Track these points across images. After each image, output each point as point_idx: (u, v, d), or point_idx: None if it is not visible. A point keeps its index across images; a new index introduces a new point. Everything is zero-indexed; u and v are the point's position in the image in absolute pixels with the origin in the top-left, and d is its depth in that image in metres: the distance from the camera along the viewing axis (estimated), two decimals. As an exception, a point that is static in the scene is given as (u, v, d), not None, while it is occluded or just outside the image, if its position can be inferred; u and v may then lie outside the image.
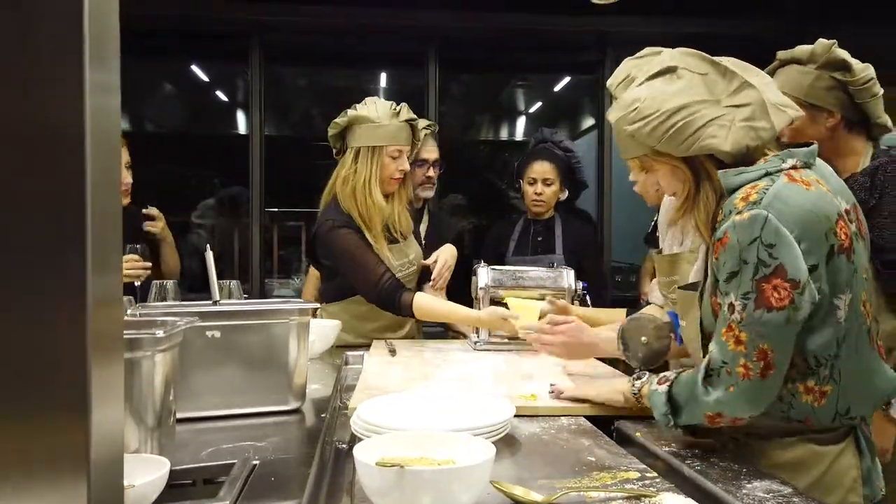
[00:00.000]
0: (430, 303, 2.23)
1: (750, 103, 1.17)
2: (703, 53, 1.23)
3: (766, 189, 1.13)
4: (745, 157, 1.19)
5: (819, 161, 1.26)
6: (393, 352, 2.13)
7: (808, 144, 1.25)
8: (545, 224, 2.89)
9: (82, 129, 0.49)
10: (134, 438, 1.01)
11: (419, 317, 2.24)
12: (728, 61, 1.23)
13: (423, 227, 2.85)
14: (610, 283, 4.02)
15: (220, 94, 4.84)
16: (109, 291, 0.54)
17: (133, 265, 2.36)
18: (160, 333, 1.00)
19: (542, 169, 2.85)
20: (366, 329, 2.40)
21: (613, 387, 1.40)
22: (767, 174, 1.16)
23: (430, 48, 3.96)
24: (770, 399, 1.15)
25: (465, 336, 2.47)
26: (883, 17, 3.70)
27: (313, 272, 2.92)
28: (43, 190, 0.49)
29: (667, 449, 1.23)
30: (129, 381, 0.99)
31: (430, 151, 2.83)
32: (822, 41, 1.71)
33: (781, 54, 1.76)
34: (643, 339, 1.48)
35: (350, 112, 2.29)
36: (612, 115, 1.26)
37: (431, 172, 2.83)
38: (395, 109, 2.30)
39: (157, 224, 2.68)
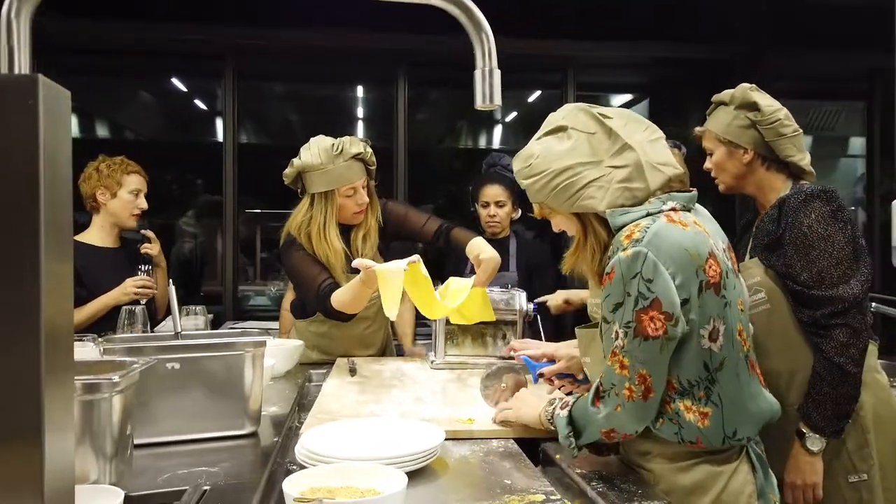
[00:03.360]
0: (341, 293, 2.15)
1: (628, 165, 1.32)
2: (595, 111, 1.37)
3: (647, 228, 1.27)
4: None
5: (699, 207, 1.42)
6: (353, 371, 2.24)
7: (690, 189, 1.41)
8: (500, 243, 3.00)
9: (36, 148, 0.52)
10: (93, 470, 1.14)
11: (343, 309, 2.16)
12: (616, 118, 1.36)
13: None
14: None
15: (200, 104, 4.95)
16: (62, 322, 0.56)
17: (144, 284, 2.49)
18: (116, 378, 1.12)
19: (493, 192, 3.00)
20: (333, 348, 2.50)
21: (536, 412, 1.52)
22: (649, 214, 1.31)
23: (399, 68, 4.09)
24: (651, 416, 1.31)
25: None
26: (831, 41, 3.87)
27: None
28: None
29: (578, 471, 1.37)
30: (88, 419, 1.11)
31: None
32: (742, 85, 1.88)
33: (714, 98, 1.94)
34: (503, 385, 1.76)
35: (295, 161, 2.31)
36: (515, 165, 1.45)
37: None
38: (337, 149, 2.26)
39: (153, 247, 2.72)
